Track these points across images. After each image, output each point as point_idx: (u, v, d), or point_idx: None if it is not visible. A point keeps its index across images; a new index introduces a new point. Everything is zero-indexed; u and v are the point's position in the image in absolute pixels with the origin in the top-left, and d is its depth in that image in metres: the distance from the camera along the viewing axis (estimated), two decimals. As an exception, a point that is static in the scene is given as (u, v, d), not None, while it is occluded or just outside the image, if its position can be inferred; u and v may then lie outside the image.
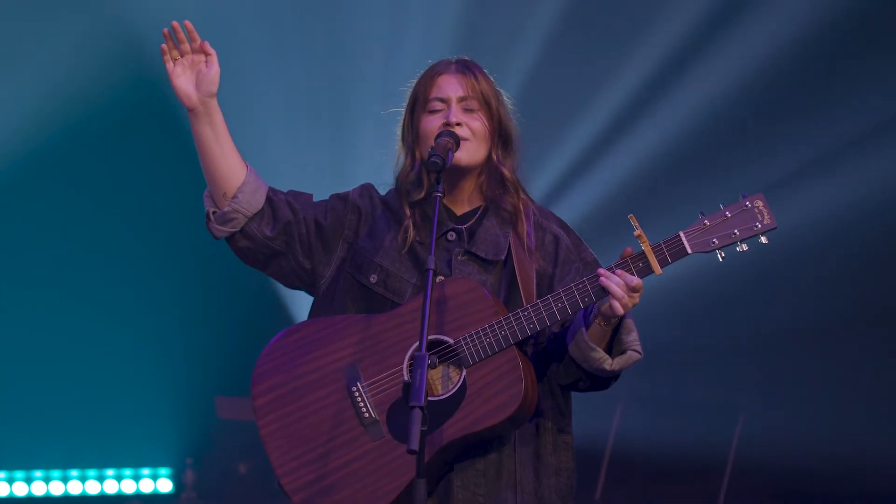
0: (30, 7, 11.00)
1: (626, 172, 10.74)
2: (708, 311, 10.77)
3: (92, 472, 11.71)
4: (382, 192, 5.34)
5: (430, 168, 4.83)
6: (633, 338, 4.88)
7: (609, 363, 4.83)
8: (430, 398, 4.66)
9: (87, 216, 11.47)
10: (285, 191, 5.26)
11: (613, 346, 4.88)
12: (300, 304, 10.99)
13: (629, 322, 4.87)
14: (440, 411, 4.75)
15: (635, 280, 4.72)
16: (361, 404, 4.88)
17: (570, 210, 10.35)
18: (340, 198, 5.27)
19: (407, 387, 4.81)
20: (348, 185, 5.39)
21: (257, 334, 11.29)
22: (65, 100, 11.09)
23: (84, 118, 11.16)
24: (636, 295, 4.75)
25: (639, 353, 4.87)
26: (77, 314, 11.55)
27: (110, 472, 11.75)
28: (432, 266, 4.62)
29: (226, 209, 5.08)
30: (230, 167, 5.09)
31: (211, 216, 5.11)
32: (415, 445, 4.33)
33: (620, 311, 4.73)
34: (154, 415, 11.78)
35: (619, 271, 4.75)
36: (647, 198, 10.63)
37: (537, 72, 10.66)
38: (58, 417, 11.51)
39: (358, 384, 4.90)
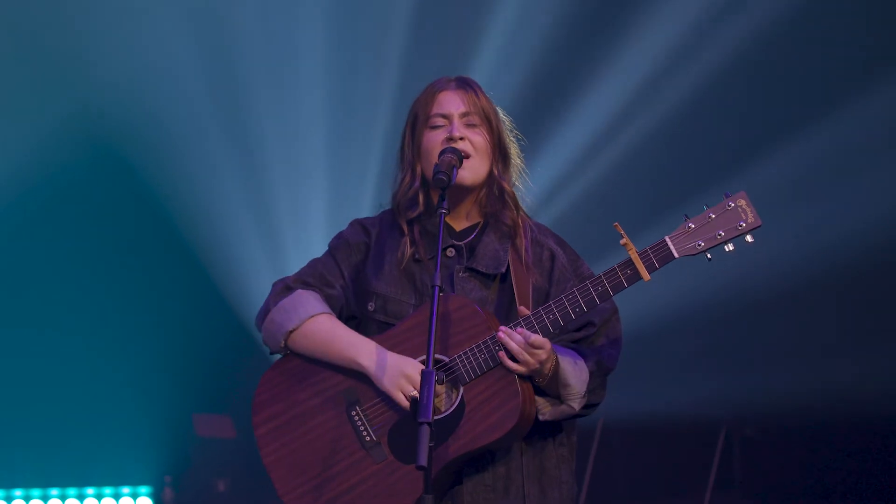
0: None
1: (605, 176, 10.74)
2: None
3: (72, 491, 11.65)
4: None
5: (436, 185, 4.84)
6: (569, 391, 4.87)
7: (542, 415, 4.89)
8: (432, 417, 4.67)
9: (68, 235, 11.45)
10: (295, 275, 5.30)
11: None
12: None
13: (565, 374, 4.84)
14: (441, 429, 4.74)
15: (532, 336, 4.73)
16: (361, 428, 4.90)
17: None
18: (341, 247, 5.27)
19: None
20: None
21: (235, 353, 11.40)
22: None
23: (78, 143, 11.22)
24: (538, 351, 4.74)
25: (571, 407, 4.88)
26: (57, 333, 11.50)
27: (90, 490, 11.69)
28: (438, 283, 4.62)
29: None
30: None
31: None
32: (423, 461, 4.31)
33: (518, 368, 4.75)
34: (133, 433, 11.72)
35: (520, 329, 4.75)
36: (628, 201, 10.62)
37: (512, 76, 10.70)
38: (38, 436, 11.45)
39: (357, 407, 4.92)
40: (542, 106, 10.64)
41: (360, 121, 11.27)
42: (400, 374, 4.84)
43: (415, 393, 4.79)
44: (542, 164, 10.47)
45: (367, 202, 11.13)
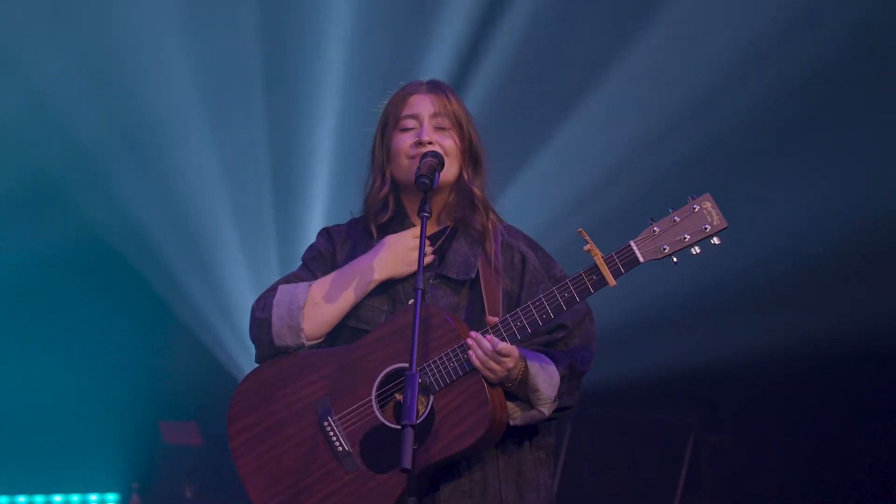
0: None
1: (580, 183, 10.73)
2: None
3: (39, 499, 11.63)
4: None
5: (419, 188, 4.82)
6: (538, 396, 4.86)
7: (513, 420, 4.89)
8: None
9: (32, 245, 11.39)
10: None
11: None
12: (246, 328, 10.94)
13: (535, 379, 4.83)
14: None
15: (500, 345, 4.73)
16: (334, 438, 4.88)
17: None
18: (315, 257, 5.27)
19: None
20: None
21: (201, 359, 11.36)
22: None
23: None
24: (506, 359, 4.74)
25: (541, 412, 4.87)
26: (22, 342, 11.46)
27: (58, 497, 11.67)
28: (421, 286, 4.61)
29: (311, 344, 5.09)
30: None
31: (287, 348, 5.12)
32: (407, 463, 4.31)
33: (487, 374, 4.75)
34: (101, 440, 11.69)
35: (489, 336, 4.75)
36: (594, 204, 10.59)
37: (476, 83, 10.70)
38: (5, 444, 11.41)
39: (329, 418, 4.90)
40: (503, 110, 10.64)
41: (304, 133, 11.24)
42: (400, 261, 5.04)
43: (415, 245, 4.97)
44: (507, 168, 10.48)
45: (319, 214, 11.14)
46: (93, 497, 11.77)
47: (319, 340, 5.08)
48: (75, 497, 11.72)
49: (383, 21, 10.97)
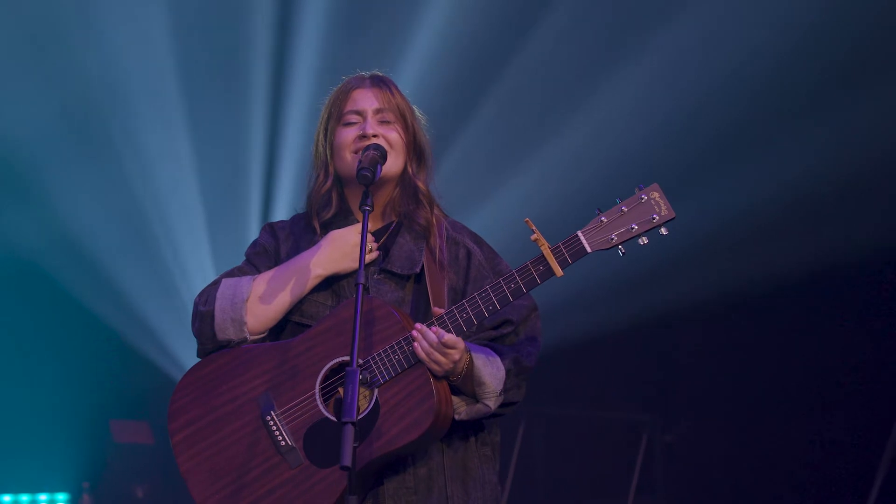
0: None
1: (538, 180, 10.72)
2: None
3: (-12, 498, 11.60)
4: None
5: (360, 181, 4.80)
6: (484, 390, 4.84)
7: (458, 414, 4.87)
8: (344, 419, 4.63)
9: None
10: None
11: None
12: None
13: (480, 372, 4.81)
14: (357, 432, 4.56)
15: (446, 336, 4.70)
16: (277, 432, 4.85)
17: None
18: (258, 252, 5.25)
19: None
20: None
21: (152, 359, 11.30)
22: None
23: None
24: (451, 351, 4.72)
25: (487, 406, 4.85)
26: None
27: (7, 497, 11.60)
28: (362, 280, 4.60)
29: (254, 338, 5.05)
30: None
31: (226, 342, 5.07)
32: (347, 461, 4.30)
33: (432, 367, 4.73)
34: (51, 439, 11.63)
35: (434, 328, 4.73)
36: (546, 198, 10.58)
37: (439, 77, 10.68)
38: (-46, 444, 11.38)
39: (272, 413, 4.87)
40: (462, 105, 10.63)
41: (236, 130, 11.20)
42: (344, 256, 5.00)
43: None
44: (460, 163, 10.47)
45: (255, 210, 11.12)
46: (42, 497, 11.71)
47: (263, 335, 5.04)
48: (25, 497, 11.65)
49: (317, 15, 10.95)
